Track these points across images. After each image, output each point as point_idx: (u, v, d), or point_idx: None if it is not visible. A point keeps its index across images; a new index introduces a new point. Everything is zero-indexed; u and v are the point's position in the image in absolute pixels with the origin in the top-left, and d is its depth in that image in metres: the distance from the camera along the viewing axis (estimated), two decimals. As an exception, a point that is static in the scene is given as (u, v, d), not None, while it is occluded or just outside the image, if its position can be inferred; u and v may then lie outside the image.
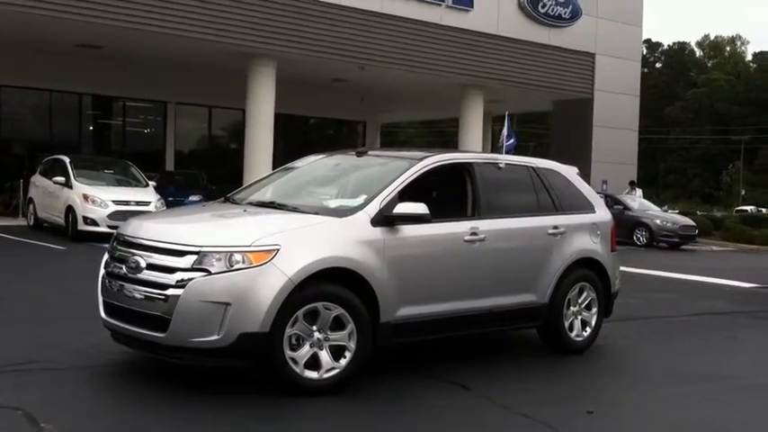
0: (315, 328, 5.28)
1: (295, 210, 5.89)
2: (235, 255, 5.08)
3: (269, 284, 5.06)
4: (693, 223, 24.15)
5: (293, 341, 5.22)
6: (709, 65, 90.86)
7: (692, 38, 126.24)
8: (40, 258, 13.14)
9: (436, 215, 5.89)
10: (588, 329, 7.18)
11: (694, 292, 12.36)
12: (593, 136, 27.20)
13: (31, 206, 17.82)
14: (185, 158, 27.27)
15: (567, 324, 6.97)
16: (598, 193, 13.79)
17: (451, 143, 35.78)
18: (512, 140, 17.15)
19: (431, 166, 6.27)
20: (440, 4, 23.02)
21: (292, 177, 7.00)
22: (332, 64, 21.90)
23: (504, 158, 7.09)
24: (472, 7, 23.61)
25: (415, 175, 6.08)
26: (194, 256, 5.11)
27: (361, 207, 5.72)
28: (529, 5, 24.88)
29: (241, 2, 19.67)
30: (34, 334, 6.85)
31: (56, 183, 16.26)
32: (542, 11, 25.17)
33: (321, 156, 7.24)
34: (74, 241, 15.03)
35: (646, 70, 63.76)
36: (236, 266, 5.07)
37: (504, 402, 5.43)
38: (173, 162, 26.65)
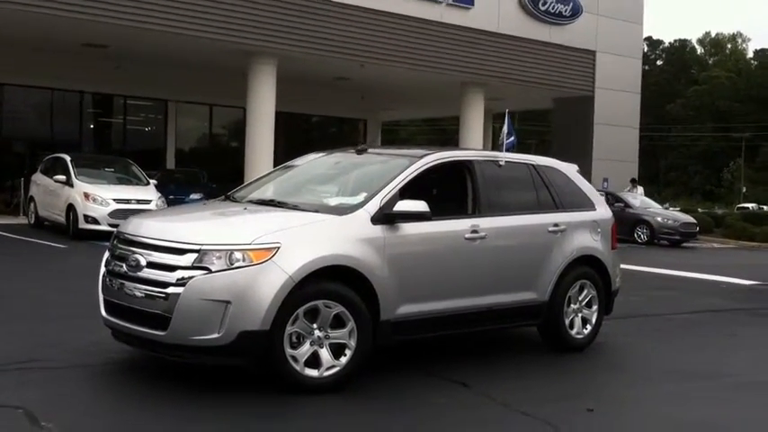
0: (315, 326, 5.29)
1: (295, 208, 5.89)
2: (235, 253, 5.09)
3: (269, 282, 5.07)
4: (694, 221, 24.15)
5: (294, 339, 5.23)
6: (710, 62, 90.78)
7: (693, 35, 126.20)
8: (40, 257, 13.15)
9: (437, 213, 5.89)
10: (588, 327, 7.18)
11: (695, 289, 12.36)
12: (593, 133, 27.18)
13: (32, 204, 17.82)
14: (186, 157, 27.29)
15: (567, 322, 6.97)
16: (599, 190, 13.79)
17: (452, 141, 35.75)
18: (512, 138, 17.10)
19: (431, 164, 6.28)
20: (440, 2, 23.00)
21: (292, 175, 7.00)
22: (332, 62, 21.90)
23: (505, 156, 7.09)
24: (473, 5, 23.59)
25: (415, 173, 6.08)
26: (195, 255, 5.12)
27: (362, 205, 5.72)
28: (529, 3, 24.85)
29: (242, 0, 19.67)
30: (35, 332, 6.85)
31: (57, 181, 16.27)
32: (543, 8, 25.15)
33: (321, 154, 7.24)
34: (75, 240, 15.04)
35: (647, 68, 63.71)
36: (236, 264, 5.07)
37: (505, 400, 5.43)
38: (173, 160, 26.67)
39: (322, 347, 5.31)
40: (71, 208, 15.57)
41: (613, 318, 7.90)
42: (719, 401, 5.83)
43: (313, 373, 5.27)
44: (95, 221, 15.16)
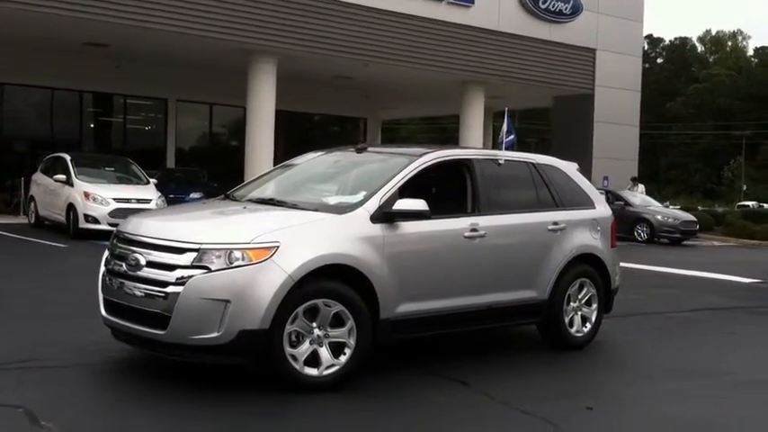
0: (314, 324, 5.29)
1: (294, 207, 5.90)
2: (234, 252, 5.09)
3: (269, 281, 5.07)
4: (694, 219, 24.14)
5: (293, 338, 5.23)
6: (710, 60, 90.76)
7: (693, 33, 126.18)
8: (41, 256, 13.16)
9: (436, 211, 5.90)
10: (588, 325, 7.18)
11: (694, 287, 12.37)
12: (593, 132, 27.17)
13: (33, 204, 17.84)
14: (186, 156, 27.30)
15: (567, 320, 6.98)
16: (599, 189, 13.76)
17: (453, 139, 35.77)
18: (511, 136, 17.12)
19: (430, 163, 6.28)
20: (441, 1, 22.99)
21: (292, 174, 7.01)
22: (333, 61, 21.90)
23: (504, 155, 7.09)
24: (473, 3, 23.58)
25: (414, 172, 6.08)
26: (194, 254, 5.12)
27: (361, 204, 5.72)
28: (529, 1, 24.84)
29: (242, -1, 19.69)
30: (35, 331, 6.86)
31: (57, 181, 16.28)
32: (543, 6, 25.14)
33: (320, 152, 7.25)
34: (75, 239, 15.04)
35: (647, 66, 63.68)
36: (235, 263, 5.08)
37: (504, 398, 5.44)
38: (173, 159, 26.68)
39: (321, 346, 5.32)
40: (71, 207, 15.58)
41: (613, 316, 7.91)
42: (718, 400, 5.83)
43: (312, 371, 5.28)
44: (95, 221, 15.17)
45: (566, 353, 6.95)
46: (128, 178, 17.24)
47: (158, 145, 26.73)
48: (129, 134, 26.78)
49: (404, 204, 5.71)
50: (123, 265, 5.43)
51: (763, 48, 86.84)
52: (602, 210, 7.58)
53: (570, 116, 27.84)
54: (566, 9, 25.78)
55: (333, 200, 6.11)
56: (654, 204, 24.93)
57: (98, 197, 15.42)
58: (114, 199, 15.45)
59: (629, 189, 25.76)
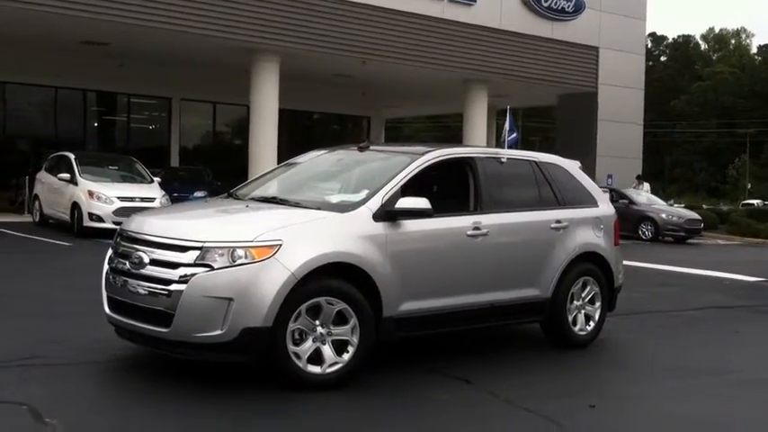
0: (318, 322, 5.30)
1: (297, 205, 5.91)
2: (237, 250, 5.10)
3: (272, 279, 5.08)
4: (699, 217, 24.10)
5: (296, 336, 5.24)
6: (714, 58, 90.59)
7: (696, 31, 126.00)
8: (45, 255, 13.19)
9: (438, 210, 5.91)
10: (591, 324, 7.17)
11: (698, 286, 12.35)
12: (597, 130, 27.15)
13: (37, 203, 17.88)
14: (190, 154, 27.33)
15: (570, 318, 6.97)
16: (603, 187, 13.71)
17: (456, 138, 35.75)
18: (514, 135, 17.07)
19: (433, 161, 6.28)
20: (443, -1, 23.00)
21: (295, 173, 7.01)
22: (335, 59, 21.90)
23: (507, 153, 7.08)
24: (475, 1, 23.57)
25: (417, 170, 6.09)
26: (197, 252, 5.14)
27: (364, 202, 5.73)
28: (532, -1, 24.86)
29: (245, -3, 19.70)
30: (39, 329, 6.88)
31: (61, 179, 16.32)
32: (545, 4, 25.11)
33: (323, 151, 7.25)
34: (79, 237, 15.07)
35: (651, 63, 63.57)
36: (238, 262, 5.09)
37: (507, 396, 5.44)
38: (177, 158, 26.72)
39: (324, 344, 5.32)
40: (75, 206, 15.62)
41: (616, 314, 7.91)
42: (722, 398, 5.82)
43: (316, 369, 5.29)
44: (100, 219, 15.21)
45: (569, 351, 6.94)
46: (132, 177, 17.28)
47: (162, 144, 26.78)
48: (133, 133, 26.83)
49: (406, 203, 5.71)
50: (127, 263, 5.45)
51: (766, 45, 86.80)
52: (605, 208, 7.57)
53: (574, 114, 27.82)
54: (568, 7, 25.75)
55: (335, 198, 6.12)
56: (658, 203, 24.89)
57: (102, 196, 15.46)
58: (118, 198, 15.49)
59: (635, 187, 25.72)
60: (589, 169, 17.45)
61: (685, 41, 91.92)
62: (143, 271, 5.31)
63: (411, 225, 5.80)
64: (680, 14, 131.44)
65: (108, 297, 5.67)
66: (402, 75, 24.11)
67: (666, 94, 76.32)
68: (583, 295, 7.09)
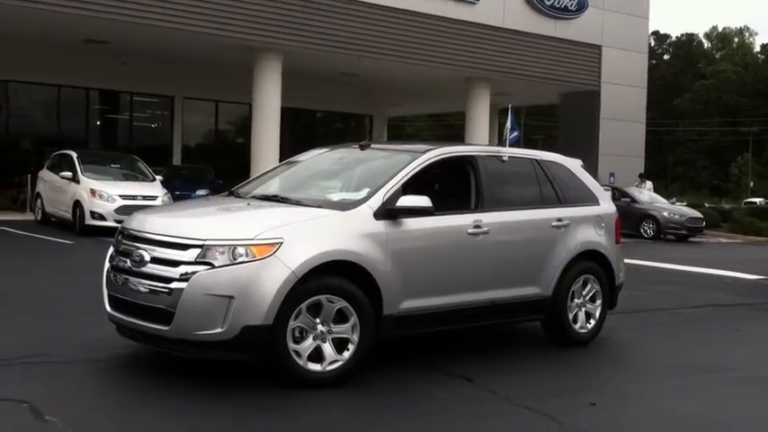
0: (318, 320, 5.30)
1: (298, 203, 5.92)
2: (238, 248, 5.11)
3: (272, 277, 5.08)
4: (701, 215, 24.09)
5: (296, 334, 5.25)
6: (717, 56, 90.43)
7: (699, 29, 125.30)
8: (47, 253, 13.21)
9: (439, 208, 5.90)
10: (592, 321, 7.18)
11: (699, 284, 12.34)
12: (600, 128, 27.13)
13: (39, 201, 17.91)
14: (192, 153, 27.35)
15: (570, 316, 6.97)
16: (604, 185, 13.66)
17: (459, 136, 35.76)
18: (515, 133, 17.06)
19: (434, 160, 6.28)
20: (446, -2, 22.99)
21: (296, 171, 7.01)
22: (338, 57, 21.90)
23: (508, 151, 7.08)
24: (478, 0, 23.54)
25: (418, 169, 6.09)
26: (198, 250, 5.14)
27: (365, 200, 5.73)
28: (535, -3, 24.84)
29: (247, -4, 19.70)
30: (40, 327, 6.90)
31: (63, 178, 16.34)
32: (548, 3, 25.08)
33: (324, 149, 7.26)
34: (81, 236, 15.09)
35: (654, 62, 63.52)
36: (239, 260, 5.09)
37: (507, 395, 5.44)
38: (179, 156, 26.74)
39: (325, 342, 5.33)
40: (77, 204, 15.64)
41: (617, 312, 7.91)
42: (723, 396, 5.82)
43: (316, 367, 5.29)
44: (102, 218, 15.23)
45: (569, 349, 6.95)
46: (134, 175, 17.29)
47: (164, 142, 26.80)
48: (136, 131, 26.86)
49: (407, 201, 5.72)
50: (128, 261, 5.46)
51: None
52: (607, 206, 7.57)
53: (576, 113, 27.81)
54: (571, 5, 25.73)
55: (336, 196, 6.12)
56: (660, 201, 24.87)
57: (104, 194, 15.48)
58: (120, 196, 15.50)
59: (637, 186, 25.71)
60: (591, 167, 17.42)
61: (688, 40, 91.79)
62: (144, 269, 5.32)
63: (412, 223, 5.80)
64: (683, 13, 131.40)
65: (109, 295, 5.68)
66: (404, 73, 24.10)
67: (669, 93, 76.24)
68: (584, 293, 7.09)
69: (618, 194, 22.68)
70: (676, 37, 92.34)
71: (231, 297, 5.03)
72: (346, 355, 5.38)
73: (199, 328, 5.07)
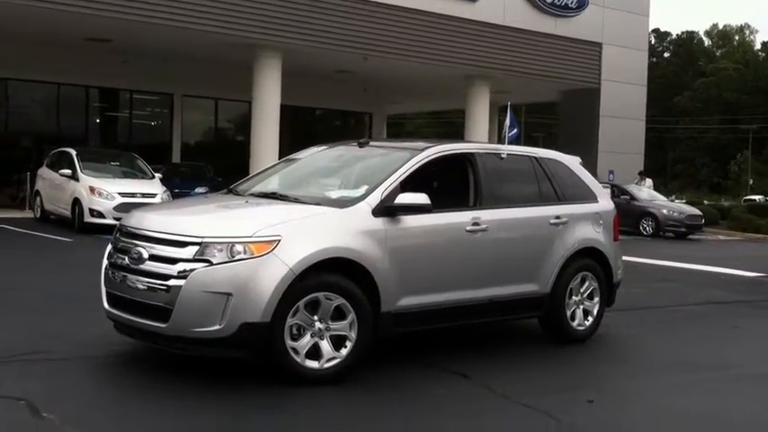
0: (316, 317, 5.31)
1: (296, 201, 5.92)
2: (236, 245, 5.11)
3: (270, 275, 5.09)
4: (700, 213, 24.09)
5: (294, 331, 5.25)
6: (717, 54, 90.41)
7: (700, 27, 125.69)
8: (46, 250, 13.21)
9: (438, 205, 5.90)
10: (590, 319, 7.18)
11: (698, 281, 12.35)
12: (599, 126, 27.13)
13: (38, 198, 17.90)
14: (192, 150, 27.34)
15: (568, 313, 6.98)
16: (604, 183, 13.65)
17: (459, 134, 35.78)
18: (514, 130, 17.06)
19: (432, 157, 6.28)
20: (445, -5, 22.97)
21: (294, 168, 7.02)
22: (337, 55, 21.89)
23: (507, 149, 7.08)
24: (478, -2, 23.55)
25: (416, 166, 6.09)
26: (196, 247, 5.14)
27: (363, 198, 5.73)
28: (535, -5, 24.82)
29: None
30: (38, 324, 6.90)
31: (62, 175, 16.33)
32: (549, 0, 25.06)
33: (323, 147, 7.26)
34: (80, 233, 15.09)
35: (654, 60, 63.48)
36: (237, 257, 5.09)
37: (505, 392, 5.44)
38: (179, 154, 26.74)
39: (323, 339, 5.33)
40: (77, 202, 15.64)
41: (615, 310, 7.91)
42: (721, 393, 5.82)
43: (314, 364, 5.30)
44: (101, 215, 15.22)
45: (567, 346, 6.95)
46: (133, 173, 17.29)
47: (164, 140, 26.79)
48: (135, 129, 26.85)
49: (405, 198, 5.71)
50: (126, 258, 5.46)
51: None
52: (605, 204, 7.58)
53: (576, 110, 27.80)
54: (571, 3, 25.71)
55: (335, 194, 6.12)
56: (659, 198, 24.88)
57: (103, 192, 15.47)
58: (119, 193, 15.50)
59: (637, 183, 25.71)
60: (591, 165, 17.43)
61: (689, 37, 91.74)
62: (142, 266, 5.32)
63: (410, 220, 5.80)
64: (684, 10, 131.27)
65: (107, 292, 5.68)
66: (404, 71, 24.09)
67: (670, 91, 76.22)
68: (581, 290, 7.10)
69: (617, 192, 22.70)
70: (677, 35, 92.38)
71: (229, 294, 5.03)
72: (344, 352, 5.38)
73: (197, 325, 5.07)
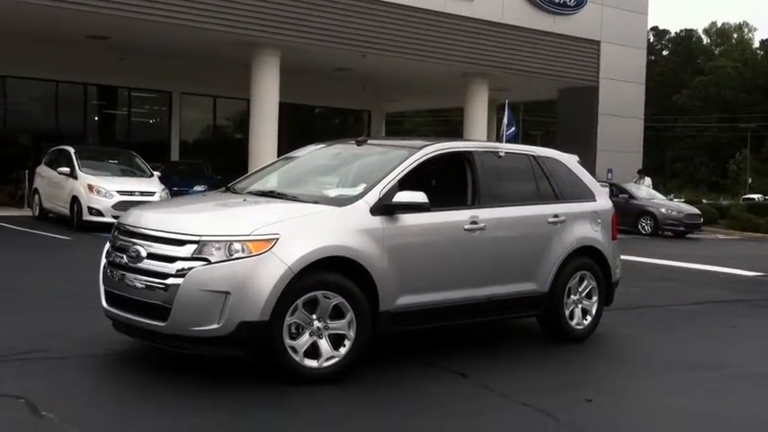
0: (314, 316, 5.31)
1: (295, 199, 5.91)
2: (234, 244, 5.11)
3: (268, 273, 5.08)
4: (698, 212, 24.10)
5: (293, 330, 5.25)
6: (716, 52, 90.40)
7: (699, 25, 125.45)
8: (44, 249, 13.20)
9: (436, 204, 5.90)
10: (589, 318, 7.18)
11: (696, 280, 12.35)
12: (598, 124, 27.14)
13: (37, 197, 17.89)
14: (190, 148, 27.34)
15: (567, 312, 6.98)
16: (602, 182, 13.64)
17: (458, 132, 35.78)
18: (512, 129, 17.05)
19: (430, 155, 6.28)
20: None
21: (293, 167, 7.02)
22: (336, 53, 21.88)
23: (505, 147, 7.08)
24: (477, -5, 23.55)
25: (414, 164, 6.09)
26: (194, 246, 5.14)
27: (361, 196, 5.73)
28: (534, -7, 24.81)
29: (244, -9, 19.67)
30: (37, 323, 6.90)
31: (61, 173, 16.32)
32: (547, -2, 25.08)
33: (321, 145, 7.25)
34: (79, 231, 15.08)
35: (653, 58, 63.46)
36: (235, 255, 5.09)
37: (503, 390, 5.44)
38: (177, 152, 26.73)
39: (321, 338, 5.33)
40: (75, 200, 15.63)
41: (614, 309, 7.91)
42: (720, 393, 5.83)
43: (312, 363, 5.29)
44: (99, 213, 15.21)
45: (566, 345, 6.95)
46: (131, 171, 17.28)
47: (162, 138, 26.79)
48: (134, 127, 26.84)
49: (403, 197, 5.71)
50: (124, 256, 5.45)
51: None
52: (603, 202, 7.58)
53: (575, 108, 27.81)
54: (570, 1, 25.72)
55: (333, 192, 6.12)
56: (658, 197, 24.88)
57: (102, 190, 15.47)
58: (118, 191, 15.50)
59: (636, 182, 25.71)
60: (590, 164, 17.42)
61: (687, 36, 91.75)
62: (140, 265, 5.31)
63: (408, 219, 5.80)
64: (682, 9, 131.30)
65: (105, 291, 5.68)
66: (402, 68, 24.09)
67: (668, 89, 76.23)
68: (580, 289, 7.10)
69: (616, 190, 22.70)
70: (675, 33, 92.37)
71: (227, 293, 5.03)
72: (342, 351, 5.38)
73: (195, 323, 5.07)
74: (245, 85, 21.53)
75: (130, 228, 5.61)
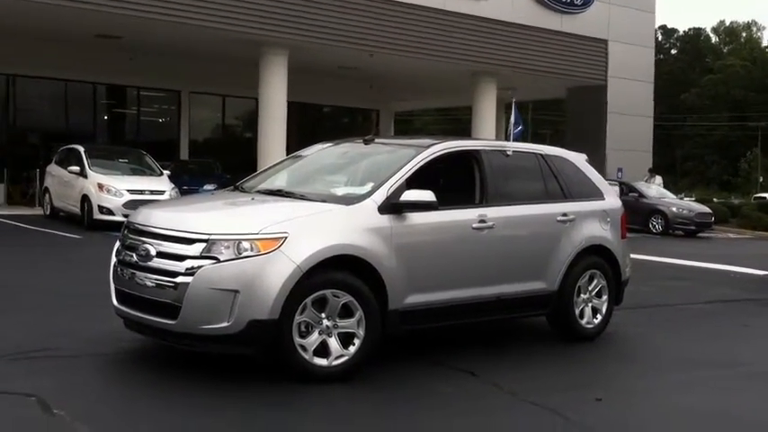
0: (323, 315, 5.31)
1: (303, 198, 5.92)
2: (243, 242, 5.12)
3: (277, 272, 5.09)
4: (709, 210, 23.99)
5: (302, 328, 5.25)
6: (724, 51, 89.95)
7: (707, 24, 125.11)
8: (55, 247, 13.26)
9: (444, 203, 5.90)
10: (599, 317, 7.16)
11: (707, 279, 12.30)
12: (607, 123, 27.05)
13: (47, 195, 17.96)
14: (199, 147, 27.39)
15: (577, 311, 6.96)
16: (612, 180, 13.60)
17: (466, 131, 35.72)
18: (519, 127, 17.06)
19: (438, 154, 6.27)
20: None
21: (300, 165, 7.03)
22: (344, 52, 21.89)
23: (513, 146, 7.08)
24: (485, -6, 23.51)
25: (422, 163, 6.08)
26: (203, 244, 5.15)
27: (369, 195, 5.73)
28: (541, -8, 24.76)
29: (253, -9, 19.70)
30: (48, 321, 6.93)
31: (71, 172, 16.37)
32: (555, -3, 25.04)
33: (329, 144, 7.26)
34: (89, 230, 15.14)
35: (661, 56, 63.23)
36: (244, 254, 5.10)
37: (512, 389, 5.43)
38: (187, 151, 26.79)
39: (330, 337, 5.34)
40: (85, 199, 15.68)
41: (624, 308, 7.88)
42: (731, 391, 5.79)
43: (322, 362, 5.30)
44: (110, 212, 15.26)
45: (575, 344, 6.94)
46: (141, 170, 17.33)
47: (172, 137, 26.85)
48: (143, 126, 26.91)
49: (411, 195, 5.71)
50: (134, 255, 5.47)
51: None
52: (612, 201, 7.55)
53: (584, 107, 27.74)
54: (577, 0, 25.65)
55: (341, 191, 6.13)
56: (669, 196, 24.78)
57: (112, 188, 15.51)
58: (128, 190, 15.54)
59: (646, 180, 25.62)
60: (599, 162, 17.42)
61: (696, 34, 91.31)
62: (150, 263, 5.33)
63: (416, 218, 5.80)
64: (690, 7, 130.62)
65: (116, 289, 5.70)
66: (411, 67, 24.08)
67: (677, 88, 75.88)
68: (590, 288, 7.08)
69: (626, 189, 22.63)
70: (684, 31, 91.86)
71: (236, 291, 5.04)
72: (352, 349, 5.39)
73: (205, 322, 5.08)
74: (254, 84, 21.56)
75: (140, 226, 5.63)
